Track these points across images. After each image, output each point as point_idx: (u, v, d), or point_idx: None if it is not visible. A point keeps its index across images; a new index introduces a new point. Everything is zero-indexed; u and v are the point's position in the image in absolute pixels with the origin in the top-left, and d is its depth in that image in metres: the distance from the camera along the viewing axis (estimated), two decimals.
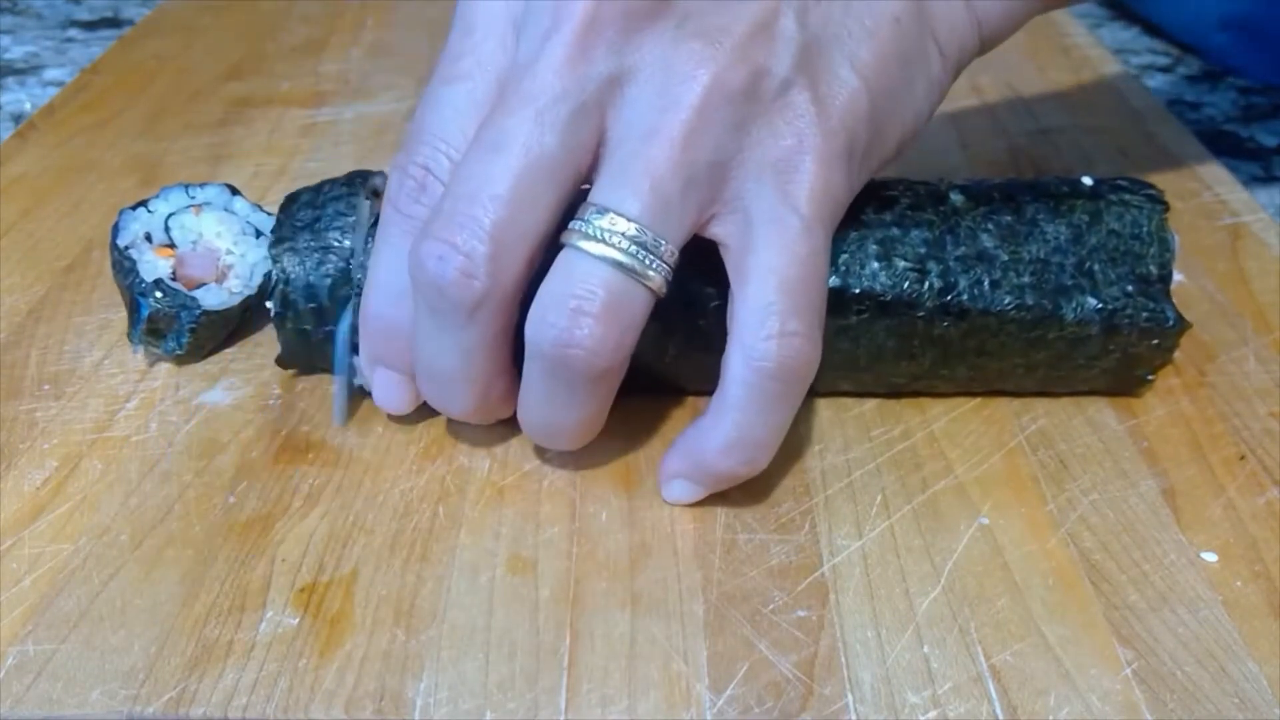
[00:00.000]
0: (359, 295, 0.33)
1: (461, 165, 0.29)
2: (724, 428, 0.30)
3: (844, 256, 0.33)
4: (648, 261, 0.28)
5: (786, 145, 0.30)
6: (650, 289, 0.29)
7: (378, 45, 0.64)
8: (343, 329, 0.34)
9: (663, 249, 0.29)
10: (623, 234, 0.28)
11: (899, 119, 0.32)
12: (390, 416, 0.36)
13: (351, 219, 0.35)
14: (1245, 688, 0.27)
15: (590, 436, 0.32)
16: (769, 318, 0.29)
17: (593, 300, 0.28)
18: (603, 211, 0.28)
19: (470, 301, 0.29)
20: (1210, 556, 0.30)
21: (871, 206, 0.34)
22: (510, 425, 0.35)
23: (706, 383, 0.31)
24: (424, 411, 0.36)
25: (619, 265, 0.28)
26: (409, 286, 0.30)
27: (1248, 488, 0.33)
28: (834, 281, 0.32)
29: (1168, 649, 0.28)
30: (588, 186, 0.30)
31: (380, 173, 0.38)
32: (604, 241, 0.28)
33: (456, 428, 0.35)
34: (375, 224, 0.35)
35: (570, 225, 0.29)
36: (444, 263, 0.28)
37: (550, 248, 0.30)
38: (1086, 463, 0.34)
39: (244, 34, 0.66)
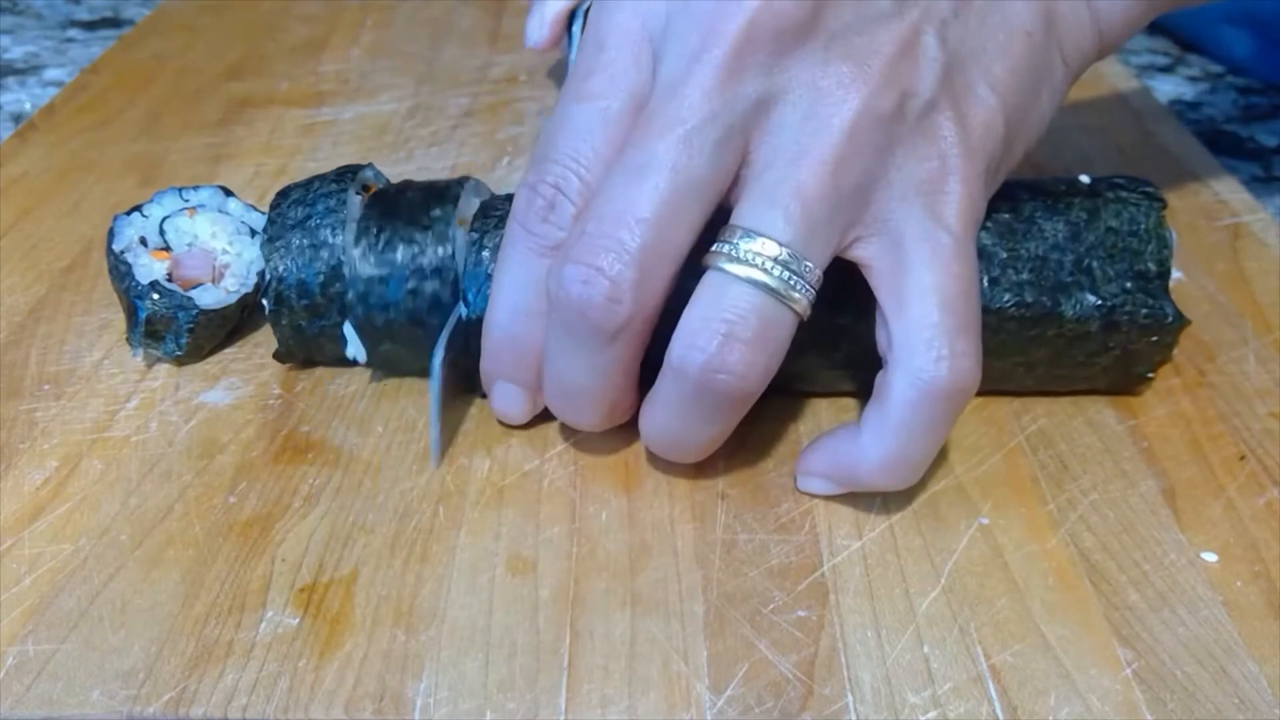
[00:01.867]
0: (455, 326, 0.33)
1: (605, 186, 0.29)
2: (885, 447, 0.30)
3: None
4: (794, 284, 0.28)
5: (931, 167, 0.29)
6: (796, 312, 0.28)
7: (378, 45, 0.64)
8: (436, 364, 0.33)
9: (809, 272, 0.28)
10: (772, 258, 0.28)
11: (1026, 131, 0.32)
12: (391, 418, 0.36)
13: (342, 215, 0.35)
14: (1245, 688, 0.27)
15: (713, 451, 0.32)
16: (936, 339, 0.28)
17: (743, 325, 0.28)
18: (750, 235, 0.28)
19: (613, 326, 0.29)
20: (1210, 557, 0.30)
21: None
22: (509, 425, 0.35)
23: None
24: (424, 411, 0.36)
25: (767, 289, 0.28)
26: (535, 304, 0.30)
27: (1248, 488, 0.33)
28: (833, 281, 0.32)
29: (1168, 649, 0.28)
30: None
31: (369, 165, 0.38)
32: (752, 265, 0.28)
33: (456, 429, 0.35)
34: (363, 218, 0.35)
35: (714, 248, 0.29)
36: (589, 287, 0.28)
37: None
38: (1086, 463, 0.34)
39: (244, 34, 0.66)
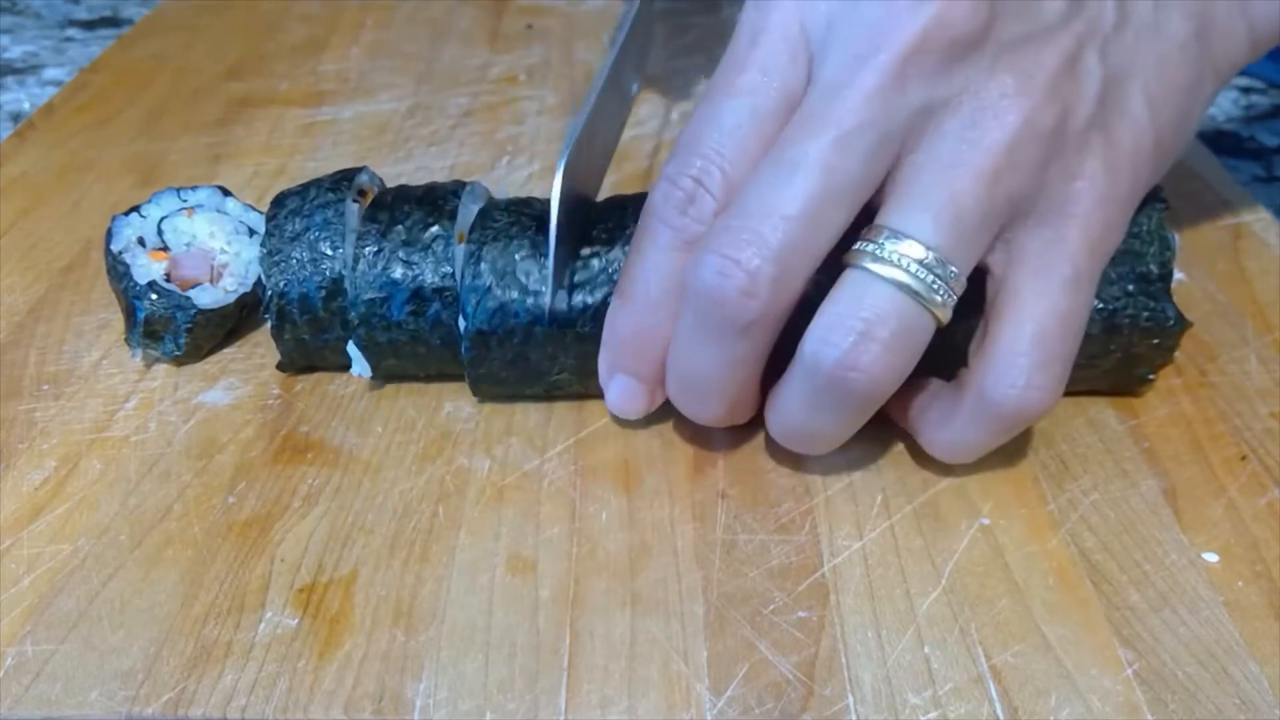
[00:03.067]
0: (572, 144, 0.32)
1: (753, 181, 0.29)
2: (945, 432, 0.31)
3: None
4: (937, 288, 0.28)
5: (1077, 186, 0.29)
6: (936, 316, 0.28)
7: (377, 45, 0.64)
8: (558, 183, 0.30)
9: (954, 278, 0.28)
10: (918, 260, 0.28)
11: (1174, 147, 0.32)
12: (391, 418, 0.36)
13: (340, 227, 0.35)
14: (1246, 688, 0.27)
15: (839, 444, 0.32)
16: (1016, 368, 0.29)
17: (881, 325, 0.28)
18: (897, 236, 0.28)
19: (746, 319, 0.28)
20: (1211, 557, 0.30)
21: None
22: (509, 425, 0.35)
23: None
24: (423, 411, 0.36)
25: (910, 291, 0.28)
26: (665, 298, 0.30)
27: (1249, 488, 0.33)
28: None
29: (1169, 649, 0.28)
30: None
31: (365, 169, 0.38)
32: (897, 265, 0.28)
33: (455, 428, 0.35)
34: (362, 236, 0.35)
35: (857, 246, 0.29)
36: (725, 279, 0.28)
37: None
38: (1087, 463, 0.34)
39: (244, 34, 0.66)
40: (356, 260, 0.34)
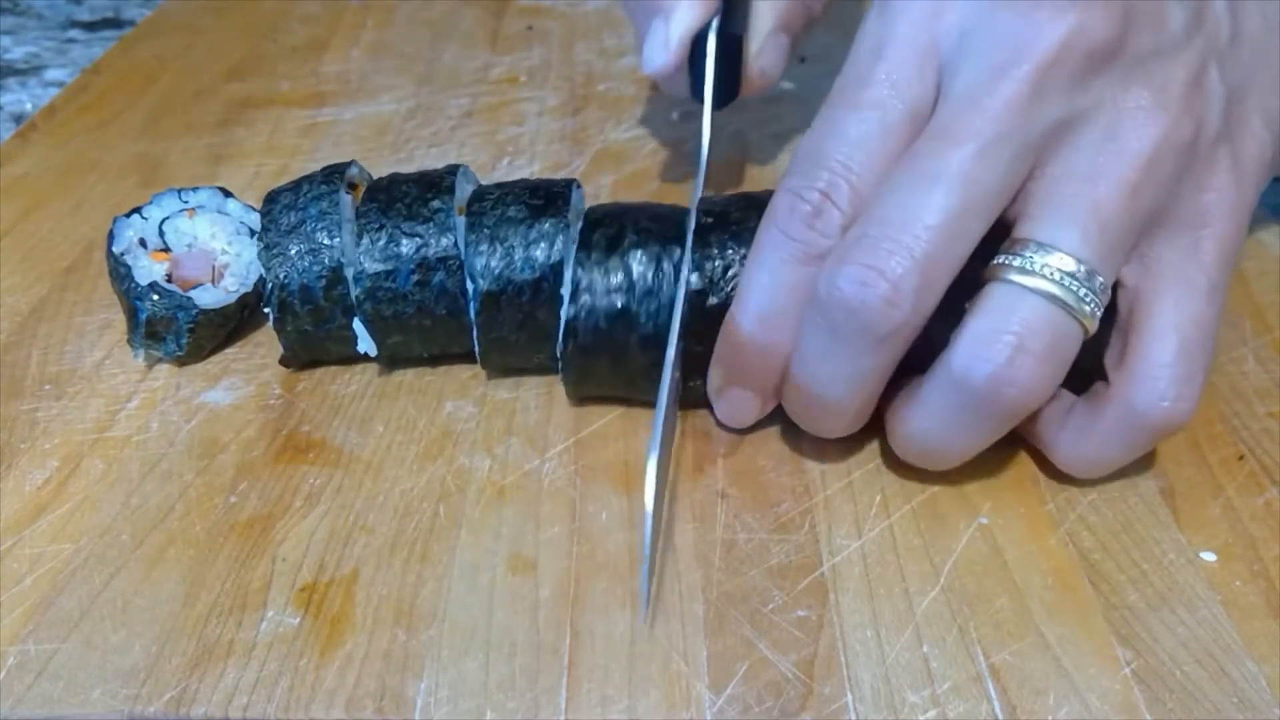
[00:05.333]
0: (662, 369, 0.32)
1: (889, 192, 0.28)
2: (1082, 449, 0.31)
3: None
4: (1086, 299, 0.28)
5: (1207, 200, 0.30)
6: (1085, 327, 0.28)
7: (378, 45, 0.64)
8: (650, 485, 0.28)
9: (1102, 289, 0.28)
10: (1068, 272, 0.28)
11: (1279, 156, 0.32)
12: (392, 417, 0.36)
13: (336, 217, 0.35)
14: (1244, 687, 0.27)
15: (966, 460, 0.32)
16: (1164, 381, 0.29)
17: (1035, 338, 0.28)
18: (1045, 248, 0.28)
19: (885, 330, 0.28)
20: (1209, 556, 0.31)
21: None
22: (509, 425, 0.35)
23: None
24: (424, 410, 0.36)
25: (1060, 302, 0.28)
26: (786, 313, 0.30)
27: (1247, 487, 0.33)
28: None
29: (1166, 648, 0.28)
30: None
31: (353, 162, 0.38)
32: (1046, 278, 0.28)
33: (456, 428, 0.35)
34: (363, 215, 0.35)
35: (1001, 260, 0.29)
36: (867, 289, 0.28)
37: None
38: None
39: (244, 34, 0.66)
40: (360, 237, 0.35)
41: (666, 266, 0.33)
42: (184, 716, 0.26)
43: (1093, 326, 0.28)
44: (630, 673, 0.27)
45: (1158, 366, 0.29)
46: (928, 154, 0.28)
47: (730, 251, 0.33)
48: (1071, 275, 0.28)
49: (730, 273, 0.33)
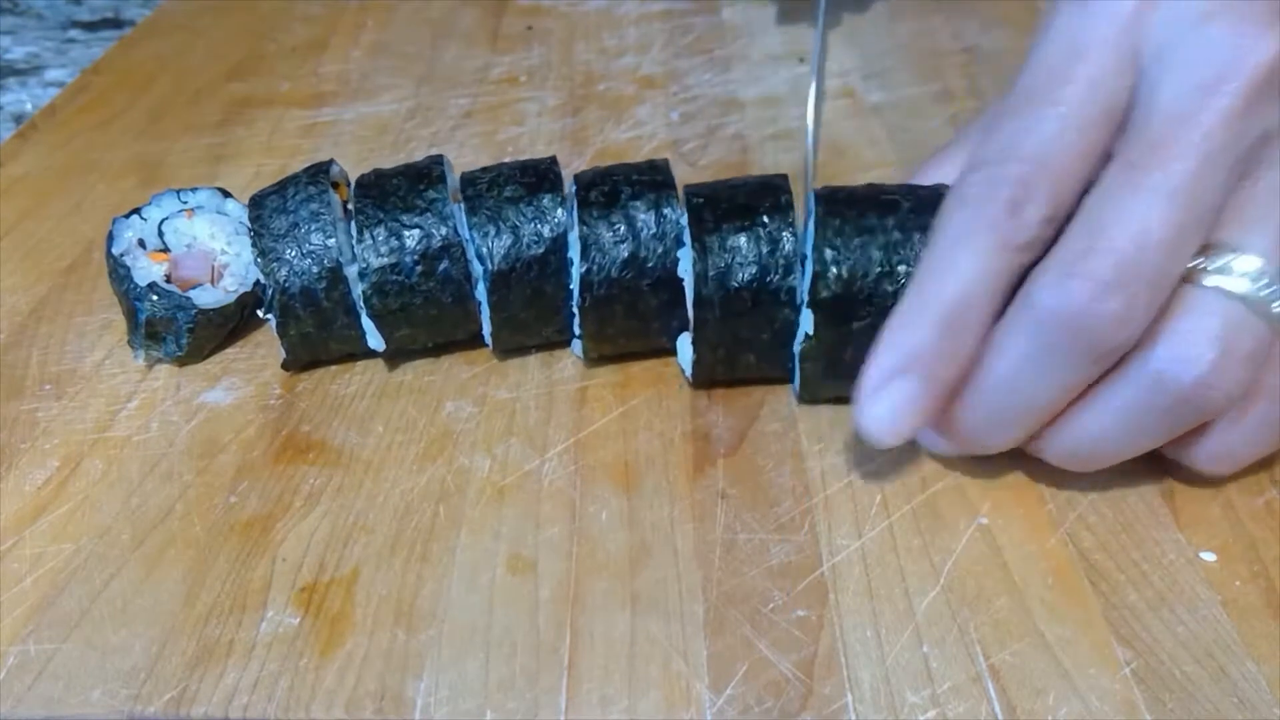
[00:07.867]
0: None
1: (1108, 206, 0.28)
2: (1221, 449, 0.31)
3: (848, 263, 0.33)
4: (1277, 299, 0.28)
5: None
6: (1275, 328, 0.28)
7: (378, 45, 0.64)
8: None
9: None
10: (1261, 276, 0.28)
11: None
12: (392, 417, 0.36)
13: (329, 217, 0.36)
14: (1244, 687, 0.27)
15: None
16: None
17: (1237, 341, 0.28)
18: (1239, 252, 0.28)
19: (1110, 346, 0.28)
20: (1209, 556, 0.31)
21: (874, 211, 0.34)
22: (509, 425, 0.35)
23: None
24: (424, 410, 0.36)
25: (1257, 304, 0.28)
26: (981, 303, 0.29)
27: (1246, 487, 0.33)
28: (836, 288, 0.32)
29: (1166, 648, 0.28)
30: None
31: (332, 161, 0.38)
32: (1244, 281, 0.28)
33: (456, 428, 0.35)
34: (359, 212, 0.35)
35: (1196, 264, 0.28)
36: (1098, 304, 0.27)
37: None
38: None
39: (244, 35, 0.66)
40: (360, 233, 0.35)
41: (666, 211, 0.35)
42: (184, 716, 0.26)
43: None
44: (630, 673, 0.27)
45: None
46: (1146, 168, 0.28)
47: (726, 227, 0.34)
48: (1265, 275, 0.28)
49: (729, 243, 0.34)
